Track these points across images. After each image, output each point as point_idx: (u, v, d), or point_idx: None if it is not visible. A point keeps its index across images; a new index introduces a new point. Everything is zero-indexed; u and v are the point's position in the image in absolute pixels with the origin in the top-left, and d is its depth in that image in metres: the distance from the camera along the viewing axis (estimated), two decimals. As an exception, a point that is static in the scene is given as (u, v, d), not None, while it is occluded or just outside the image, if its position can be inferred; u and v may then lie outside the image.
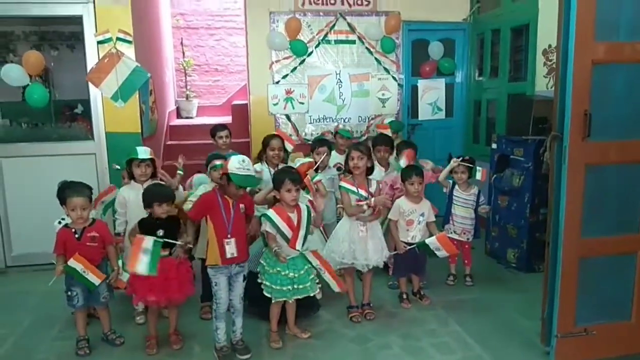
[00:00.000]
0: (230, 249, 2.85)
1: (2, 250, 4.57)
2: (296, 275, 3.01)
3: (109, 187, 3.73)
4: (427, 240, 3.43)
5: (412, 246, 3.50)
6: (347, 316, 3.44)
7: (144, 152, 3.38)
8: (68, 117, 4.96)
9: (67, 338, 3.20)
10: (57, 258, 2.95)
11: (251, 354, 2.96)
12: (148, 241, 2.77)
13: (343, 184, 3.39)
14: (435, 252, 3.43)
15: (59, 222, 3.16)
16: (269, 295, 3.04)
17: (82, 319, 3.08)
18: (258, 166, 3.88)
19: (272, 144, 3.86)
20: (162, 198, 2.93)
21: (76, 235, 2.94)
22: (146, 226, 2.93)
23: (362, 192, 3.33)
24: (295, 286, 3.02)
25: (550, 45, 4.46)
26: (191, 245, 3.10)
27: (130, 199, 3.34)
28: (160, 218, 2.94)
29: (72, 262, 2.85)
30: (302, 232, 3.00)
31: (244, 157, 2.85)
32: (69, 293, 2.97)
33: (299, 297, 3.08)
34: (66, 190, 2.94)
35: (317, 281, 3.15)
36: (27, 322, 3.49)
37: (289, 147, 4.15)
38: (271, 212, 2.99)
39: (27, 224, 4.49)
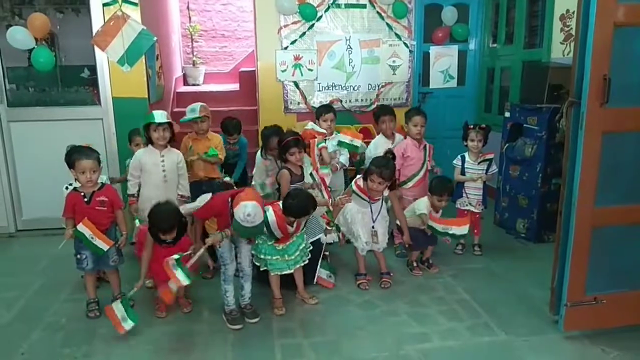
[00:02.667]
0: None
1: (12, 215, 4.61)
2: (283, 247, 3.02)
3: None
4: (456, 230, 3.53)
5: (424, 226, 3.55)
6: (355, 283, 3.45)
7: (160, 115, 3.32)
8: (74, 82, 4.90)
9: (77, 300, 3.23)
10: (67, 221, 2.95)
11: (259, 318, 2.99)
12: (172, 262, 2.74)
13: (356, 189, 3.34)
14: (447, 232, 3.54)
15: (66, 188, 3.17)
16: (257, 264, 3.05)
17: (91, 282, 3.11)
18: (262, 161, 3.81)
19: (272, 143, 3.66)
20: (165, 227, 2.84)
21: (85, 199, 2.93)
22: (155, 237, 2.91)
23: (370, 200, 3.34)
24: (285, 257, 3.03)
25: (567, 10, 4.31)
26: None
27: (147, 164, 3.35)
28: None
29: (80, 227, 2.86)
30: (291, 239, 3.02)
31: (252, 206, 2.58)
32: (78, 256, 2.99)
33: (288, 271, 3.06)
34: (74, 154, 2.92)
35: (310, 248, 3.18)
36: (38, 284, 3.54)
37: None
38: (270, 213, 2.86)
39: (36, 188, 4.51)
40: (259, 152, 3.85)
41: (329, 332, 2.89)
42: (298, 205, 2.90)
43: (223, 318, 2.98)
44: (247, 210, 2.56)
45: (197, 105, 3.89)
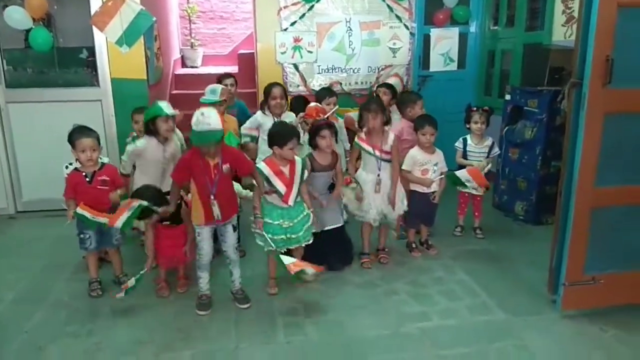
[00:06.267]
0: (216, 210, 2.75)
1: (12, 196, 4.62)
2: (290, 224, 3.00)
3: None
4: (458, 173, 3.50)
5: (440, 176, 3.56)
6: (359, 262, 3.48)
7: (167, 107, 3.22)
8: (72, 63, 4.87)
9: (79, 280, 3.26)
10: (68, 202, 2.95)
11: (250, 304, 2.96)
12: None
13: (359, 142, 3.37)
14: (466, 182, 3.50)
15: (66, 167, 3.17)
16: (261, 244, 3.00)
17: (94, 262, 3.13)
18: (260, 115, 3.87)
19: (274, 92, 3.83)
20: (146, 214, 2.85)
21: (87, 179, 2.94)
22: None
23: (376, 152, 3.32)
24: (288, 236, 3.00)
25: (570, -8, 4.29)
26: (171, 210, 2.93)
27: (149, 156, 3.24)
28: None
29: (79, 210, 2.85)
30: (295, 188, 2.96)
31: (208, 109, 2.66)
32: (82, 236, 3.00)
33: (291, 247, 3.05)
34: (75, 133, 2.92)
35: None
36: (40, 265, 3.55)
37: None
38: (263, 165, 2.92)
39: (36, 169, 4.52)
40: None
41: (331, 311, 2.92)
42: (280, 130, 2.96)
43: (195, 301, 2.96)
44: (199, 112, 2.60)
45: (219, 87, 3.81)
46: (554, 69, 4.01)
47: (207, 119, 2.57)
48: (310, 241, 3.10)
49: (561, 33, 4.41)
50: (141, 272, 2.91)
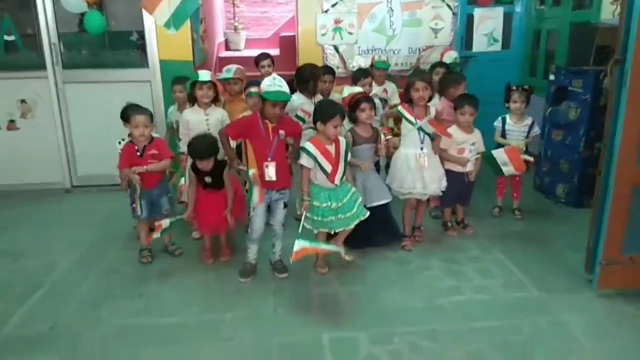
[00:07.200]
0: (269, 172, 2.88)
1: (68, 171, 4.92)
2: (339, 205, 3.01)
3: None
4: (495, 152, 3.46)
5: (476, 156, 3.53)
6: (400, 244, 3.49)
7: (204, 75, 3.48)
8: (123, 45, 5.10)
9: (131, 249, 3.48)
10: (121, 172, 3.14)
11: (287, 274, 3.09)
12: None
13: (401, 109, 3.35)
14: (502, 167, 3.47)
15: (119, 143, 3.37)
16: (309, 227, 3.04)
17: (144, 230, 3.33)
18: (296, 97, 3.80)
19: (325, 76, 3.87)
20: (202, 154, 3.02)
21: (138, 153, 3.12)
22: (196, 172, 3.12)
23: (419, 122, 3.31)
24: (340, 216, 3.02)
25: (621, -32, 4.13)
26: (242, 168, 3.11)
27: (192, 122, 3.49)
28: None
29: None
30: (341, 166, 2.99)
31: (275, 75, 2.90)
32: (134, 205, 3.19)
33: (346, 228, 3.06)
34: (129, 110, 3.11)
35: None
36: (94, 235, 3.79)
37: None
38: (309, 145, 2.94)
39: (90, 146, 4.79)
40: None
41: (365, 284, 3.01)
42: (325, 107, 3.02)
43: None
44: (271, 76, 2.86)
45: (234, 66, 4.00)
46: (601, 48, 3.90)
47: (279, 82, 2.84)
48: (366, 216, 3.09)
49: (610, 11, 4.25)
50: (178, 217, 3.15)
